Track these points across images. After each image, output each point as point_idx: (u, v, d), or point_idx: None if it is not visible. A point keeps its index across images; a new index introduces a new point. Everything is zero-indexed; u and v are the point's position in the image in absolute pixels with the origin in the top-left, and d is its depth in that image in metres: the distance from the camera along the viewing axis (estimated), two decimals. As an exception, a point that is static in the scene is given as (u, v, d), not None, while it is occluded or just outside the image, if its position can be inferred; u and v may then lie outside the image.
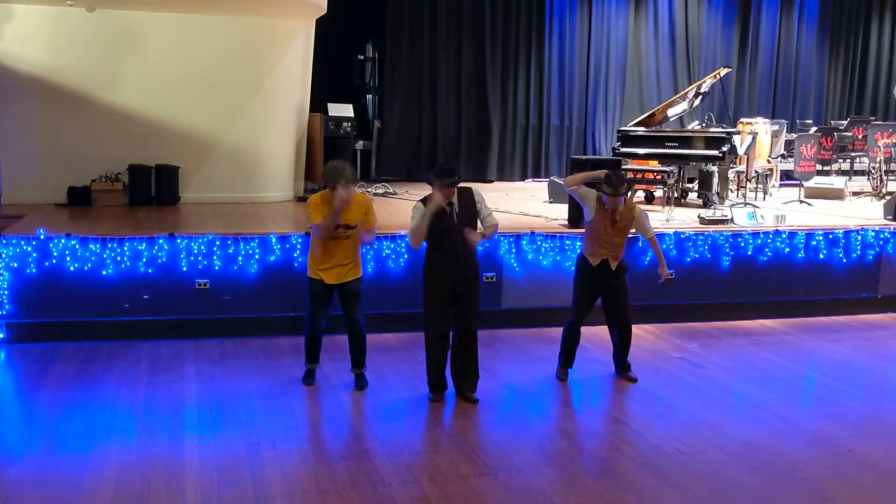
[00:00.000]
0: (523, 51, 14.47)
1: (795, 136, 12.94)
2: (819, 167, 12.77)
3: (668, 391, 6.39)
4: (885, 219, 9.61)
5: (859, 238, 8.99)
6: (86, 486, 4.55)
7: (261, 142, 10.56)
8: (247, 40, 10.30)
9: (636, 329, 7.92)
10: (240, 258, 7.50)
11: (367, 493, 4.53)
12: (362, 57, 14.04)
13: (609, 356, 6.79)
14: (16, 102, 9.71)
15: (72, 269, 7.19)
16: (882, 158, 12.37)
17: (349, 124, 12.27)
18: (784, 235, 8.79)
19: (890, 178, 12.72)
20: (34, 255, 7.14)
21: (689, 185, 11.38)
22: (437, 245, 5.75)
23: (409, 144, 14.01)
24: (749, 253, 8.69)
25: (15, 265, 7.11)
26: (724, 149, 10.78)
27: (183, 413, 5.66)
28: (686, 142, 11.13)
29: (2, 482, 4.58)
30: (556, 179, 11.41)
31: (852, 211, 10.64)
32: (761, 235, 8.73)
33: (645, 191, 10.97)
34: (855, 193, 12.57)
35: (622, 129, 12.16)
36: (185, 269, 7.41)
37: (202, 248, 7.43)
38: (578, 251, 6.61)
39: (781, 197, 12.09)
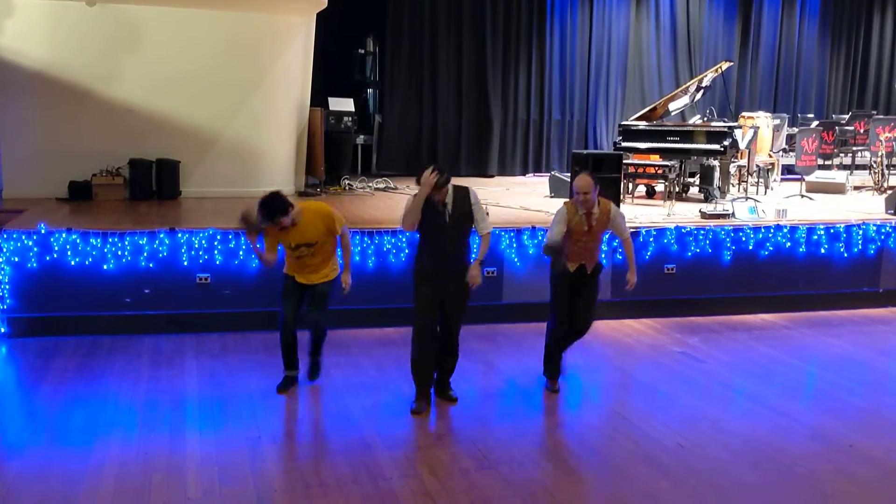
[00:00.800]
0: (524, 45, 14.44)
1: (797, 130, 12.91)
2: (820, 161, 12.76)
3: (668, 386, 6.39)
4: (886, 213, 9.60)
5: (860, 232, 8.98)
6: (87, 480, 4.56)
7: (261, 136, 10.56)
8: (247, 35, 10.29)
9: (637, 324, 7.95)
10: (240, 253, 7.50)
11: (367, 487, 4.54)
12: (363, 51, 14.02)
13: (609, 351, 6.78)
14: (16, 97, 9.70)
15: (73, 263, 7.20)
16: (883, 152, 12.36)
17: (350, 119, 12.25)
18: (785, 230, 8.78)
19: (891, 172, 12.71)
20: (35, 249, 7.14)
21: (691, 180, 11.37)
22: (427, 241, 5.63)
23: (410, 139, 13.99)
24: (750, 247, 8.68)
25: (16, 260, 7.12)
26: (726, 143, 10.77)
27: (184, 407, 5.66)
28: (687, 136, 11.12)
29: (3, 476, 4.59)
30: (557, 174, 11.41)
31: (853, 205, 10.63)
32: (762, 230, 8.72)
33: (646, 185, 10.96)
34: (856, 188, 12.55)
35: (623, 123, 12.15)
36: (185, 263, 7.41)
37: (203, 242, 7.43)
38: None
39: (783, 191, 12.07)
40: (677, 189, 10.76)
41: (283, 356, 6.00)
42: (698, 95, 12.27)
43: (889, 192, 10.44)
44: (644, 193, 10.96)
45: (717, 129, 11.03)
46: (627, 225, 6.23)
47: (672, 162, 10.55)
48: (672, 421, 5.63)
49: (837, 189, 12.05)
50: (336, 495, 4.45)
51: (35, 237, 7.15)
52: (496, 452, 5.05)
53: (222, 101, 10.29)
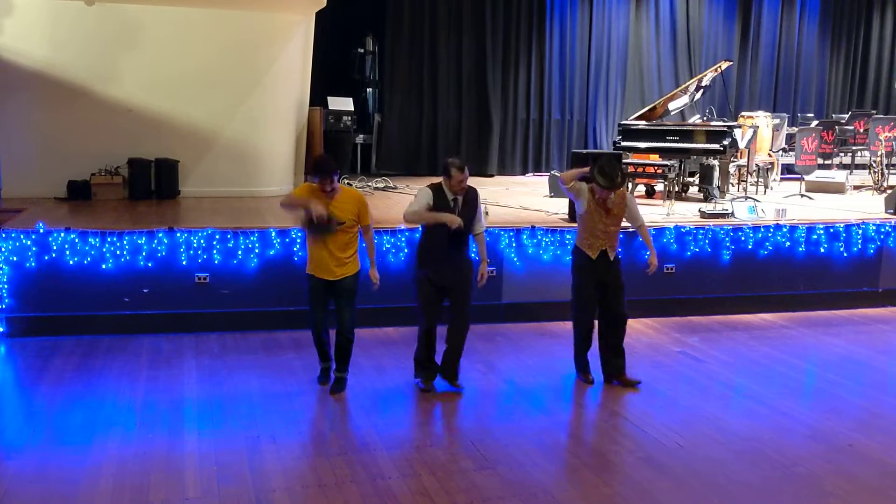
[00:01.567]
0: (524, 44, 14.43)
1: (796, 129, 12.91)
2: (820, 161, 12.74)
3: (667, 385, 6.38)
4: (885, 213, 9.60)
5: (860, 232, 8.98)
6: (85, 479, 4.55)
7: (260, 136, 10.54)
8: (247, 34, 10.28)
9: (636, 323, 7.93)
10: (239, 252, 7.49)
11: (366, 487, 4.53)
12: (362, 50, 14.01)
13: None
14: (15, 96, 9.69)
15: (71, 263, 7.19)
16: (883, 152, 12.35)
17: (349, 118, 12.24)
18: (785, 229, 8.77)
19: (891, 171, 12.70)
20: (34, 249, 7.13)
21: (690, 179, 11.36)
22: (432, 232, 5.81)
23: (410, 138, 13.98)
24: (750, 247, 8.68)
25: (14, 259, 7.11)
26: (725, 142, 10.76)
27: (182, 407, 5.66)
28: (687, 135, 11.12)
29: (1, 476, 4.58)
30: (556, 174, 11.38)
31: (853, 205, 10.62)
32: (762, 229, 8.71)
33: (646, 185, 10.96)
34: (856, 187, 12.54)
35: (623, 122, 12.15)
36: (184, 263, 7.40)
37: (202, 242, 7.42)
38: (571, 244, 6.54)
39: (782, 191, 12.06)
40: (677, 188, 10.75)
41: (318, 352, 6.16)
42: (698, 95, 12.26)
43: (889, 191, 10.43)
44: (643, 193, 10.95)
45: (717, 129, 11.03)
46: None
47: (672, 161, 10.55)
48: (671, 420, 5.63)
49: (837, 189, 12.05)
50: (335, 495, 4.45)
51: (34, 237, 7.14)
52: (496, 452, 5.05)
53: (221, 101, 10.28)
